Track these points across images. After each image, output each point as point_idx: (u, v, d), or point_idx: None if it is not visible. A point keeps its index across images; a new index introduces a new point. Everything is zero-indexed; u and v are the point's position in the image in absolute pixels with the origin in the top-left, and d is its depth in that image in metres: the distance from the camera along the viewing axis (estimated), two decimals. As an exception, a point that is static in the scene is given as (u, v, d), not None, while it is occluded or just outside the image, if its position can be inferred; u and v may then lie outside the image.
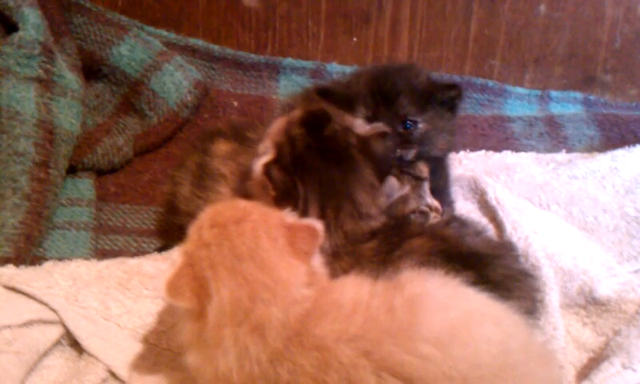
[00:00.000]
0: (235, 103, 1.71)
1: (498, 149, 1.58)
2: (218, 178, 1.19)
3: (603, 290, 1.11)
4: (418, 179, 1.15)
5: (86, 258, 1.23)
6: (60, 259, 1.21)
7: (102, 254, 1.28)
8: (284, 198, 1.03)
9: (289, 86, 1.74)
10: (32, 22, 1.45)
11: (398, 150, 1.15)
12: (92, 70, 1.64)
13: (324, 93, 1.20)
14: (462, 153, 1.52)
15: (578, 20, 1.73)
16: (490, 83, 1.76)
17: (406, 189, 1.11)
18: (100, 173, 1.54)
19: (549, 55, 1.77)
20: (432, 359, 0.76)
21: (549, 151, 1.58)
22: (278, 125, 1.11)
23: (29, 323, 1.02)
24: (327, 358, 0.78)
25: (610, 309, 1.09)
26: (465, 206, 1.35)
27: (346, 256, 1.01)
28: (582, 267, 1.15)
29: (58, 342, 1.04)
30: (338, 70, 1.75)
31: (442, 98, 1.20)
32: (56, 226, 1.36)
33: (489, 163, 1.50)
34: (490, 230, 1.23)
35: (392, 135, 1.13)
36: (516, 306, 0.93)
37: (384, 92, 1.18)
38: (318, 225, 0.88)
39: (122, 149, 1.56)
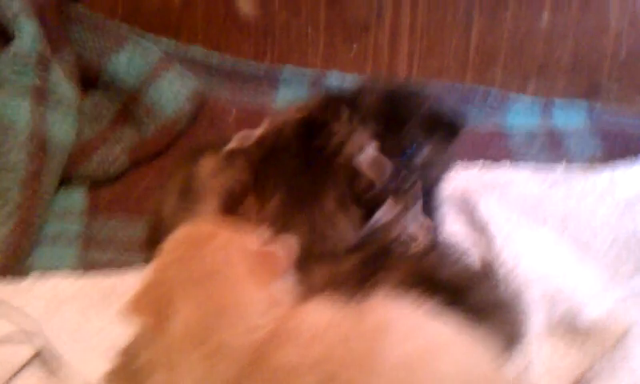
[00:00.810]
0: (233, 111, 1.71)
1: (495, 160, 1.54)
2: (203, 194, 1.19)
3: (588, 315, 1.07)
4: (412, 199, 1.14)
5: (73, 270, 1.22)
6: (47, 270, 1.21)
7: (90, 266, 1.26)
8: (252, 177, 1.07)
9: (288, 95, 1.72)
10: (29, 32, 1.46)
11: (401, 173, 1.15)
12: (90, 78, 1.64)
13: (333, 101, 1.19)
14: (457, 166, 1.49)
15: (581, 29, 1.70)
16: (492, 92, 1.74)
17: (399, 208, 1.09)
18: (94, 182, 1.53)
19: (552, 64, 1.74)
20: (396, 387, 0.75)
21: (549, 163, 1.54)
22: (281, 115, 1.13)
23: (6, 337, 1.02)
24: (285, 385, 0.77)
25: (593, 335, 1.05)
26: (457, 220, 1.32)
27: (323, 268, 1.00)
28: (568, 291, 1.12)
29: (34, 357, 1.03)
30: (337, 79, 1.74)
31: (447, 124, 1.19)
32: (45, 236, 1.35)
33: (484, 177, 1.46)
34: (475, 254, 1.21)
35: (396, 159, 1.13)
36: (490, 338, 0.91)
37: (394, 114, 1.17)
38: (291, 242, 0.88)
39: (118, 158, 1.56)
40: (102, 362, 1.01)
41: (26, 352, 1.02)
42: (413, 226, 1.09)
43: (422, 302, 0.86)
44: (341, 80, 1.73)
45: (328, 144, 1.05)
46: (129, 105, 1.64)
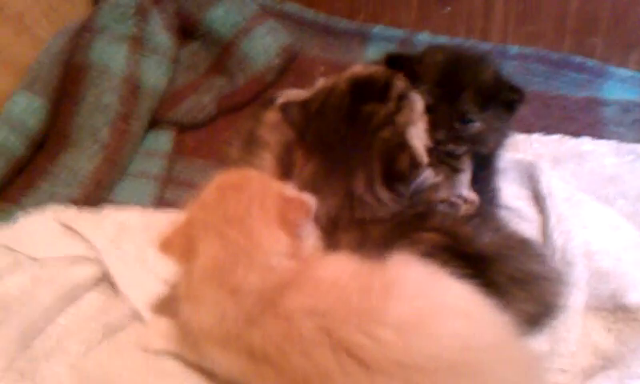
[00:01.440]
0: (322, 68, 1.73)
1: (579, 134, 1.46)
2: (263, 146, 1.23)
3: (636, 297, 1.03)
4: (456, 170, 1.13)
5: (145, 207, 1.33)
6: (123, 204, 1.33)
7: (164, 205, 1.37)
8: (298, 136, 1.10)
9: (376, 54, 1.71)
10: (130, -17, 1.57)
11: (450, 145, 1.14)
12: (189, 29, 1.73)
13: (393, 61, 1.20)
14: (535, 135, 1.43)
15: (693, -3, 1.57)
16: (590, 63, 1.64)
17: (439, 178, 1.09)
18: (182, 128, 1.61)
19: (659, 35, 1.62)
20: (389, 345, 0.77)
21: (636, 141, 1.45)
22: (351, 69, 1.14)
23: (73, 259, 1.14)
24: (292, 329, 0.82)
25: (638, 318, 1.01)
26: (519, 193, 1.29)
27: (352, 231, 1.02)
28: (622, 270, 1.07)
29: (98, 280, 1.14)
30: (428, 40, 1.71)
31: (504, 99, 1.16)
32: (128, 174, 1.46)
33: (561, 149, 1.39)
34: (527, 226, 1.19)
35: (446, 129, 1.14)
36: (517, 309, 0.91)
37: (450, 83, 1.16)
38: (311, 199, 0.91)
39: (206, 107, 1.63)
40: (153, 290, 1.11)
41: (92, 272, 1.13)
42: (454, 195, 1.08)
43: (443, 266, 0.87)
44: (431, 41, 1.71)
45: (377, 113, 1.06)
46: (222, 56, 1.72)
